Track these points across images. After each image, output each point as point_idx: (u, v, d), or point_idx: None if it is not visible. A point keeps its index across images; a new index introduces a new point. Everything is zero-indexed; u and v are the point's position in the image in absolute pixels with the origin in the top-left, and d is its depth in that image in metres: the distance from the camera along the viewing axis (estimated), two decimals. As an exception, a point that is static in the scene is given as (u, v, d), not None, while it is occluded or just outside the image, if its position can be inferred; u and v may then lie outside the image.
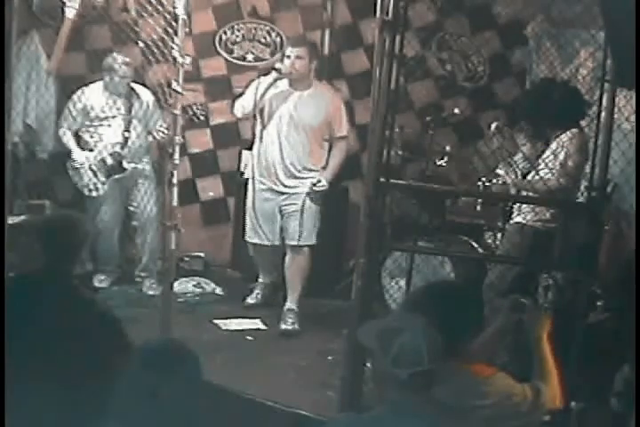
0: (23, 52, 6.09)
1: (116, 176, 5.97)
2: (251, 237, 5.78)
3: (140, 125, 5.99)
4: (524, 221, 4.90)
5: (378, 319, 2.90)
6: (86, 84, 6.02)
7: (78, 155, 5.96)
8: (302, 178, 5.60)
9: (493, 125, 5.20)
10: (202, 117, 6.23)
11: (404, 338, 2.42)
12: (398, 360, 2.39)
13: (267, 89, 5.47)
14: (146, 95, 6.00)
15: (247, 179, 5.81)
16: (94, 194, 5.99)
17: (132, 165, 5.99)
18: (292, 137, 5.53)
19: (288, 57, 5.47)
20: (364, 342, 2.54)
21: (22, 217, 5.86)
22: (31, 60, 6.18)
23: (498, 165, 5.16)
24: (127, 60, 5.87)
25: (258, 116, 5.62)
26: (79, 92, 5.99)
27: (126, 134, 5.95)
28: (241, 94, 5.77)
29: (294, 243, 5.64)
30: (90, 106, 5.95)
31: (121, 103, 5.96)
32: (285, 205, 5.62)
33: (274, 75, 5.48)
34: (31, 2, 6.15)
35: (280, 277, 5.84)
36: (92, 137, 6.00)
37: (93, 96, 5.96)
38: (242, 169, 6.34)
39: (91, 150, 5.98)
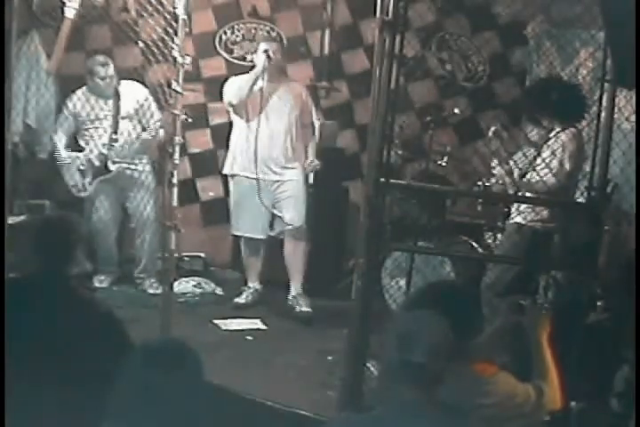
0: (23, 52, 6.08)
1: (102, 177, 5.95)
2: (239, 231, 5.93)
3: (131, 125, 5.98)
4: (523, 222, 4.89)
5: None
6: (75, 89, 6.02)
7: (65, 156, 5.97)
8: (288, 167, 5.80)
9: (492, 130, 5.18)
10: (189, 119, 6.16)
11: (409, 326, 2.45)
12: (396, 345, 2.40)
13: (252, 84, 5.65)
14: (137, 93, 5.96)
15: (228, 176, 5.95)
16: (82, 194, 5.99)
17: (119, 166, 5.96)
18: (275, 128, 5.72)
19: (265, 51, 5.65)
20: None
21: (22, 217, 5.86)
22: (31, 60, 6.18)
23: (495, 166, 5.14)
24: (105, 61, 5.86)
25: (241, 112, 5.75)
26: (70, 97, 6.00)
27: (114, 135, 5.93)
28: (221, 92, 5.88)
29: (295, 226, 5.78)
30: (79, 110, 5.95)
31: (109, 104, 5.94)
32: (277, 194, 5.80)
33: (258, 69, 5.64)
34: (31, 2, 6.15)
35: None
36: (84, 140, 6.00)
37: (81, 100, 5.95)
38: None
39: (80, 152, 5.98)
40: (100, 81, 5.88)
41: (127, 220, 6.22)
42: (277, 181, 5.79)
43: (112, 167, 5.96)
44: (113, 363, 2.44)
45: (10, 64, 4.31)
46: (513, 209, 5.04)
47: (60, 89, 6.25)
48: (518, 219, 4.93)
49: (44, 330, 3.08)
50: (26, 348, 3.03)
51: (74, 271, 3.45)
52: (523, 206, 4.93)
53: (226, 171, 5.96)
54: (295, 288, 5.83)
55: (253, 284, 6.00)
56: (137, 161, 6.06)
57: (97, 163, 5.93)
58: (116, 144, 5.93)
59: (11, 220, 5.07)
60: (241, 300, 5.95)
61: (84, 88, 5.99)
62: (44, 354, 3.03)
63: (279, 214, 5.84)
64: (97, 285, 6.03)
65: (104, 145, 5.93)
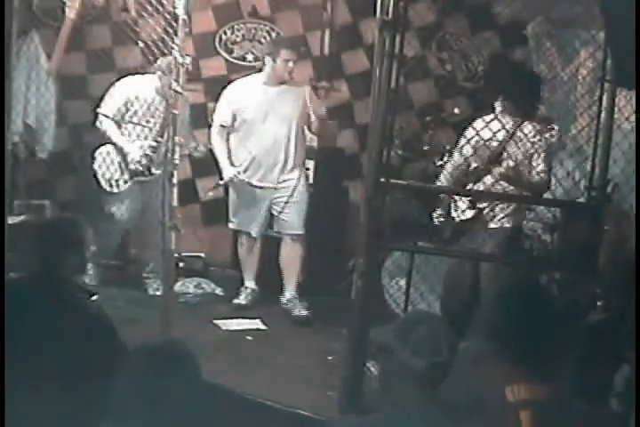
0: (23, 52, 6.09)
1: (141, 178, 5.86)
2: (236, 225, 5.89)
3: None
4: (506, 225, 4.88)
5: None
6: (135, 74, 5.87)
7: (124, 146, 5.79)
8: (290, 172, 5.75)
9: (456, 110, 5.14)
10: (200, 153, 6.03)
11: (422, 328, 2.45)
12: (417, 350, 2.40)
13: (241, 89, 5.62)
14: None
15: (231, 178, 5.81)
16: (115, 190, 5.86)
17: (160, 172, 5.86)
18: (278, 131, 5.67)
19: (287, 60, 5.57)
20: (382, 340, 2.54)
21: (22, 217, 5.85)
22: (31, 60, 6.18)
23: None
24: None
25: (238, 115, 5.70)
26: (126, 80, 5.82)
27: (160, 139, 5.76)
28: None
29: (294, 232, 5.76)
30: (135, 99, 5.77)
31: (164, 107, 5.83)
32: (278, 198, 5.75)
33: (268, 77, 5.59)
34: (31, 2, 6.16)
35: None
36: (129, 133, 5.84)
37: (143, 91, 5.78)
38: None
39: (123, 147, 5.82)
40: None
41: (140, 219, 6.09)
42: (278, 186, 5.75)
43: (155, 171, 5.82)
44: (112, 364, 2.45)
45: (10, 64, 4.32)
46: (497, 210, 5.00)
47: (61, 89, 6.25)
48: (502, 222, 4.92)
49: (43, 331, 3.08)
50: (26, 348, 3.03)
51: (75, 272, 3.46)
52: (510, 208, 4.91)
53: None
54: (289, 292, 5.77)
55: (249, 283, 5.96)
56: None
57: (141, 163, 5.83)
58: (158, 150, 5.74)
59: (11, 220, 5.07)
60: (241, 301, 5.94)
61: (154, 80, 5.73)
62: (45, 354, 3.03)
63: (280, 217, 5.79)
64: (97, 285, 6.01)
65: (150, 147, 5.80)
